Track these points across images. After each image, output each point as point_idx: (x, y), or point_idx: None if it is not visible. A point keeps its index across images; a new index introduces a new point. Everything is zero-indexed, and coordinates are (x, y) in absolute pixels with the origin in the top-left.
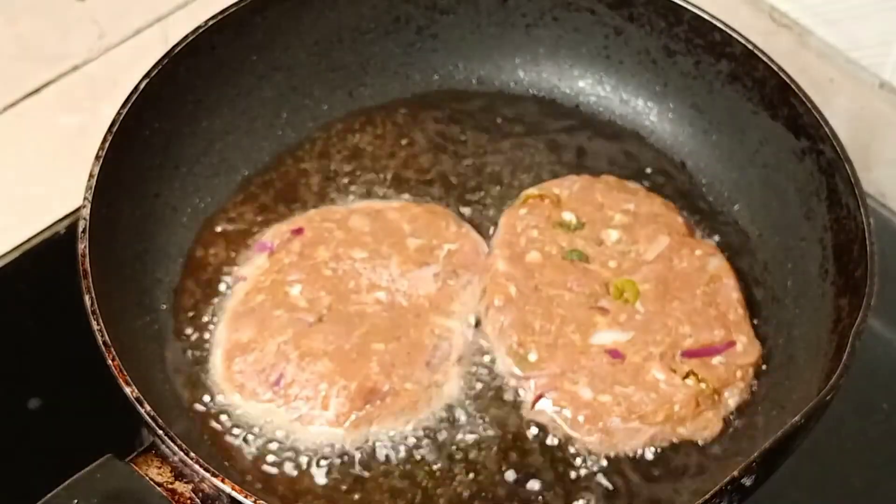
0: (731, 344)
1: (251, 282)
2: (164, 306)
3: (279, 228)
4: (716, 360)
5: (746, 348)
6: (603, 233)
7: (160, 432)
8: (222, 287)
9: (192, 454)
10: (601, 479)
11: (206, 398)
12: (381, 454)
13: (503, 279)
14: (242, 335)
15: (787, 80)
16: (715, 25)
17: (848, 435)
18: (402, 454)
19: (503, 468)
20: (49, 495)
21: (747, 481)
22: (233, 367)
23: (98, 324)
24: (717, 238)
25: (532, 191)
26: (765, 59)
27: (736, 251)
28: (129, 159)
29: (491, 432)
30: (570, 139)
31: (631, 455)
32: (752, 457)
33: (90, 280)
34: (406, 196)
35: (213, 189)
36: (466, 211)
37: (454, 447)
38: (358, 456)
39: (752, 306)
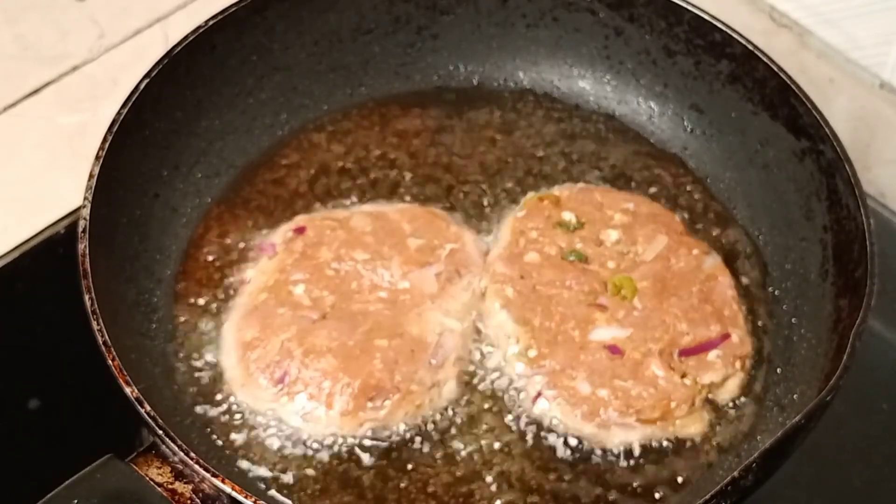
0: (727, 336)
1: (254, 281)
2: (165, 306)
3: (281, 228)
4: (713, 355)
5: (742, 339)
6: (602, 233)
7: (160, 432)
8: (223, 287)
9: (192, 454)
10: (599, 475)
11: (208, 397)
12: (383, 451)
13: (502, 279)
14: (246, 333)
15: (787, 81)
16: (715, 26)
17: (848, 435)
18: (404, 451)
19: (503, 465)
20: (49, 495)
21: (747, 481)
22: (236, 365)
23: (98, 324)
24: (716, 237)
25: (532, 195)
26: (765, 59)
27: (735, 251)
28: (129, 159)
29: (491, 429)
30: (571, 139)
31: (629, 452)
32: (752, 457)
33: (90, 280)
34: (406, 196)
35: (212, 189)
36: (466, 211)
37: (455, 444)
38: (360, 453)
39: (752, 306)
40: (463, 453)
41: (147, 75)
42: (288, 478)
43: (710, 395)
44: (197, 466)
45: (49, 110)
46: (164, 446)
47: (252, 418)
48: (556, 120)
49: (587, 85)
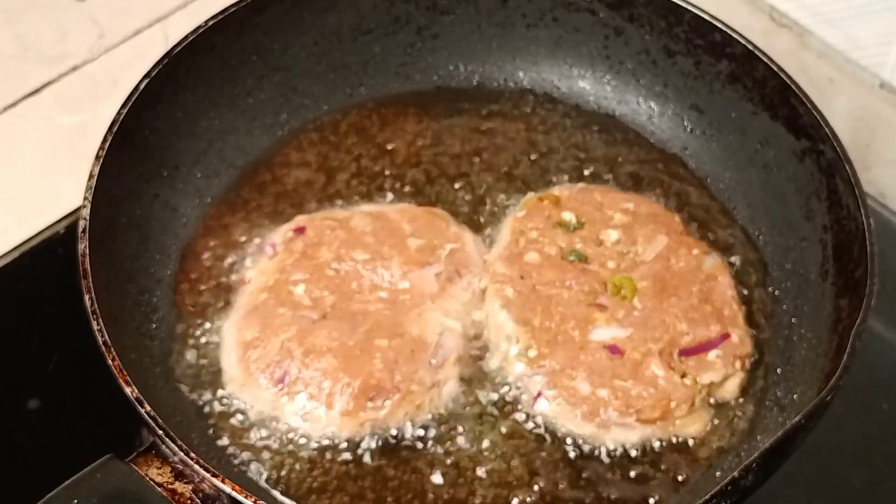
0: (727, 336)
1: (254, 281)
2: (165, 306)
3: (281, 228)
4: (713, 355)
5: (742, 339)
6: (602, 233)
7: (160, 432)
8: (223, 287)
9: (192, 454)
10: (599, 474)
11: (208, 397)
12: (383, 451)
13: (502, 279)
14: (246, 333)
15: (787, 81)
16: (715, 26)
17: (848, 435)
18: (404, 451)
19: (503, 465)
20: (49, 495)
21: (747, 481)
22: (236, 365)
23: (98, 324)
24: (716, 237)
25: (531, 195)
26: (765, 59)
27: (735, 251)
28: (129, 159)
29: (491, 430)
30: (570, 140)
31: (629, 451)
32: (752, 457)
33: (90, 280)
34: (406, 196)
35: (212, 189)
36: (466, 211)
37: (455, 444)
38: (360, 452)
39: (752, 306)
40: (463, 454)
41: (147, 75)
42: (288, 477)
43: (709, 395)
44: (197, 466)
45: (49, 110)
46: (164, 446)
47: (252, 418)
48: (556, 120)
49: (587, 85)
